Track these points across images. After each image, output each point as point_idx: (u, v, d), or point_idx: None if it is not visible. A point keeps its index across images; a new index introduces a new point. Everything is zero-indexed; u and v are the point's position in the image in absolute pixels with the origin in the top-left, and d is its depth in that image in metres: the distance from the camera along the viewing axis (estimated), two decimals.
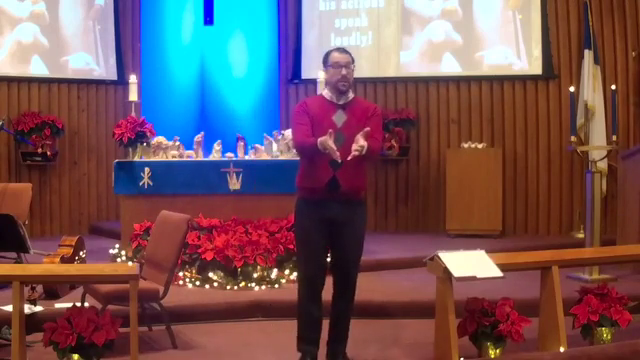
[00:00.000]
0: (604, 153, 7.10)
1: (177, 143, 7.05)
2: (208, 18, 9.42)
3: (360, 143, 4.02)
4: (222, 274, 6.12)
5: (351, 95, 4.36)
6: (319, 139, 4.05)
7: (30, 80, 8.68)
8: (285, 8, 9.47)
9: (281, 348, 4.77)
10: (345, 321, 4.39)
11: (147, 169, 6.75)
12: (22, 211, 6.57)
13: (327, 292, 4.36)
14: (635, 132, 8.36)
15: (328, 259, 4.44)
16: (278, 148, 7.22)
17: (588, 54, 8.29)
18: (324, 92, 4.40)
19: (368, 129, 4.08)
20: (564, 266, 4.66)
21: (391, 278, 6.55)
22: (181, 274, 6.16)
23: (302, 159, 4.36)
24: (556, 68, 8.66)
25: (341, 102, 4.31)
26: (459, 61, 8.93)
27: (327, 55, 4.36)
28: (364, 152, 4.02)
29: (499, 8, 8.80)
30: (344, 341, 4.39)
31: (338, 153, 4.02)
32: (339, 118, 4.28)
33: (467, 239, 8.01)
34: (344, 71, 4.26)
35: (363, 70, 9.18)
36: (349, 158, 4.03)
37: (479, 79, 8.89)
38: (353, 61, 4.34)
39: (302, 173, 4.35)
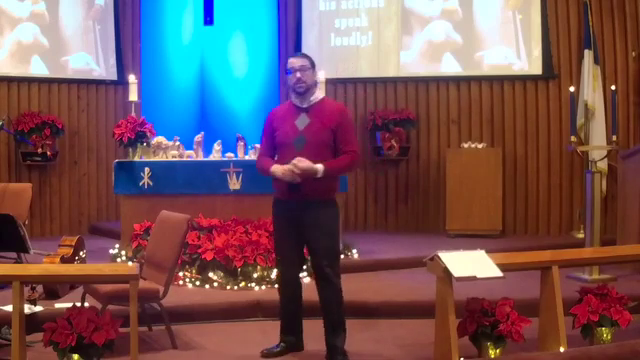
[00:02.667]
0: (604, 153, 7.11)
1: (177, 143, 7.05)
2: (208, 18, 9.43)
3: (300, 166, 4.23)
4: (222, 274, 6.13)
5: (317, 97, 4.48)
6: (272, 169, 4.36)
7: (30, 80, 8.68)
8: (285, 8, 9.47)
9: None
10: (332, 316, 4.46)
11: (147, 169, 6.75)
12: (22, 211, 6.57)
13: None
14: (635, 132, 8.36)
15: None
16: None
17: (588, 54, 8.29)
18: (292, 98, 4.53)
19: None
20: (564, 266, 4.66)
21: (391, 278, 6.55)
22: (181, 274, 6.16)
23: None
24: (556, 68, 8.66)
25: (305, 105, 4.43)
26: (459, 61, 8.93)
27: (287, 62, 4.52)
28: (301, 172, 4.24)
29: (499, 8, 8.80)
30: (339, 336, 4.46)
31: (297, 178, 4.25)
32: (302, 122, 4.39)
33: (467, 239, 8.01)
34: (298, 74, 4.39)
35: (363, 70, 9.21)
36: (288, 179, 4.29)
37: (479, 79, 8.89)
38: (313, 65, 4.46)
39: (273, 179, 4.50)
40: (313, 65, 4.46)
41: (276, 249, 4.69)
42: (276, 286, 5.96)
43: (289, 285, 4.60)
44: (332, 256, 4.48)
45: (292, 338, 4.60)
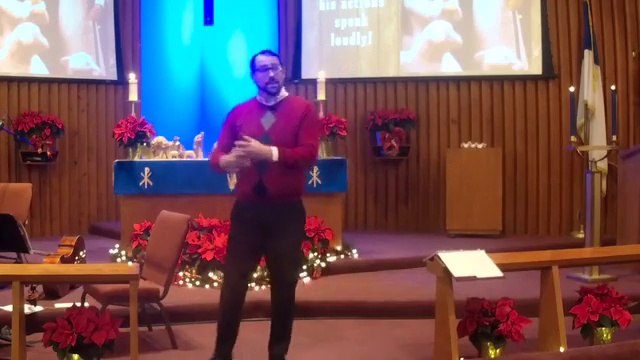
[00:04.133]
0: (604, 153, 7.11)
1: (177, 143, 7.05)
2: (208, 18, 9.43)
3: (250, 146, 4.03)
4: (222, 274, 6.12)
5: (284, 95, 4.32)
6: (221, 159, 4.18)
7: (30, 80, 8.68)
8: (285, 8, 9.47)
9: None
10: (282, 324, 4.33)
11: (147, 169, 6.75)
12: (22, 211, 6.57)
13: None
14: (635, 132, 8.36)
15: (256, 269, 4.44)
16: None
17: (588, 54, 8.29)
18: (257, 96, 4.34)
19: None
20: (564, 266, 4.66)
21: (391, 278, 6.55)
22: (181, 274, 6.16)
23: None
24: (556, 68, 8.66)
25: (271, 103, 4.27)
26: (459, 61, 8.93)
27: (253, 60, 4.32)
28: (250, 154, 4.05)
29: (499, 8, 8.80)
30: (284, 344, 4.34)
31: (244, 162, 4.08)
32: (267, 120, 4.23)
33: (467, 239, 8.01)
34: (271, 73, 4.21)
35: (363, 70, 9.21)
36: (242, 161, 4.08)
37: (479, 79, 8.89)
38: (281, 63, 4.31)
39: (238, 177, 4.37)
40: (282, 63, 4.32)
41: (228, 253, 4.40)
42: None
43: (234, 293, 4.29)
44: (296, 263, 4.36)
45: (227, 350, 4.33)
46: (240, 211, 4.31)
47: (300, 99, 4.52)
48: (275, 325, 4.35)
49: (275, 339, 4.35)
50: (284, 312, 4.33)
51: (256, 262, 4.47)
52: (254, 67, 4.29)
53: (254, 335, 5.06)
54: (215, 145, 4.37)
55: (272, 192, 4.17)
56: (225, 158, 4.18)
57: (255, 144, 4.05)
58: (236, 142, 4.09)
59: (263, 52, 4.34)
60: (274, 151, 4.08)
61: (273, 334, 4.36)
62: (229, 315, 4.31)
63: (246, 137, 4.07)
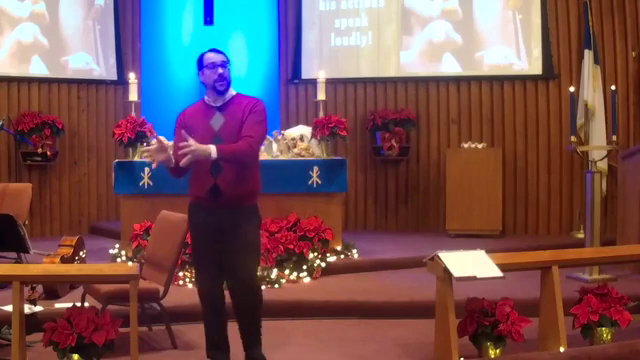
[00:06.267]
0: (604, 153, 7.11)
1: None
2: (208, 18, 9.42)
3: (190, 146, 3.91)
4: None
5: (231, 94, 4.22)
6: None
7: (30, 80, 8.68)
8: (285, 8, 9.47)
9: (281, 347, 4.77)
10: (249, 327, 4.28)
11: (147, 169, 6.75)
12: (22, 211, 6.57)
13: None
14: (635, 132, 8.36)
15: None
16: (278, 148, 7.23)
17: (588, 54, 8.28)
18: (205, 98, 4.27)
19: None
20: (564, 266, 4.66)
21: (391, 278, 6.55)
22: (181, 274, 6.16)
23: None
24: (556, 68, 8.66)
25: (219, 104, 4.18)
26: (459, 61, 8.93)
27: (201, 58, 4.25)
28: (191, 152, 3.92)
29: (499, 8, 8.80)
30: (256, 344, 4.30)
31: (162, 158, 4.09)
32: (216, 121, 4.15)
33: (467, 239, 8.01)
34: (220, 70, 4.13)
35: (363, 70, 9.21)
36: (183, 162, 3.95)
37: (479, 79, 8.89)
38: (229, 61, 4.23)
39: (190, 180, 4.26)
40: (230, 61, 4.25)
41: (196, 261, 4.38)
42: (276, 286, 6.01)
43: (210, 299, 4.28)
44: (253, 264, 4.24)
45: (221, 354, 4.32)
46: (196, 214, 4.26)
47: (248, 97, 4.34)
48: (247, 326, 4.28)
49: (251, 339, 4.29)
50: (249, 317, 4.26)
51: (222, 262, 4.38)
52: (201, 64, 4.21)
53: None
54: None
55: (228, 195, 4.10)
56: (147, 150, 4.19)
57: (194, 144, 3.92)
58: (179, 144, 3.99)
59: (212, 50, 4.28)
60: (212, 148, 3.96)
61: (247, 335, 4.29)
62: (216, 319, 4.31)
63: (185, 136, 3.95)
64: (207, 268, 4.28)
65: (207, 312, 4.34)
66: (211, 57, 4.21)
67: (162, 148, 4.16)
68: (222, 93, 4.18)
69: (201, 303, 4.36)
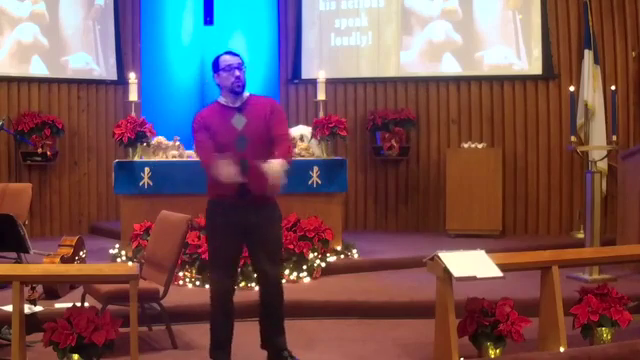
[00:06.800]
0: (604, 153, 7.11)
1: (177, 143, 7.05)
2: (208, 18, 9.42)
3: (274, 169, 3.97)
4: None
5: (246, 94, 4.32)
6: (220, 169, 3.97)
7: (30, 80, 8.68)
8: (285, 8, 9.47)
9: None
10: (278, 318, 4.39)
11: (147, 169, 6.75)
12: (22, 211, 6.57)
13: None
14: (635, 132, 8.36)
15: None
16: None
17: (588, 54, 8.28)
18: (220, 99, 4.33)
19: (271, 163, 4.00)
20: (564, 266, 4.66)
21: (391, 278, 6.55)
22: (181, 274, 6.16)
23: None
24: (556, 68, 8.65)
25: (237, 105, 4.26)
26: (459, 61, 8.93)
27: (217, 60, 4.30)
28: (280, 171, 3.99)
29: (499, 8, 8.80)
30: (283, 335, 4.40)
31: (240, 179, 4.01)
32: (239, 121, 4.22)
33: (467, 239, 8.01)
34: (237, 72, 4.22)
35: (363, 70, 9.21)
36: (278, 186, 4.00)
37: (479, 79, 8.89)
38: (244, 63, 4.30)
39: (212, 180, 4.20)
40: (245, 63, 4.33)
41: (213, 259, 4.37)
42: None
43: (224, 299, 4.33)
44: (279, 260, 4.42)
45: (223, 355, 4.37)
46: (217, 213, 4.27)
47: (262, 97, 4.49)
48: (273, 320, 4.38)
49: (278, 332, 4.38)
50: (280, 306, 4.38)
51: (238, 265, 4.54)
52: (218, 67, 4.27)
53: (254, 335, 5.07)
54: (199, 147, 4.26)
55: (255, 193, 4.17)
56: (224, 172, 3.98)
57: (268, 167, 3.99)
58: (269, 172, 3.98)
59: (227, 53, 4.34)
60: (281, 162, 4.03)
61: (273, 329, 4.38)
62: (227, 321, 4.34)
63: (270, 164, 3.99)
64: (226, 267, 4.31)
65: (218, 312, 4.36)
66: (227, 60, 4.28)
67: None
68: (239, 94, 4.26)
69: (212, 303, 4.37)
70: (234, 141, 4.15)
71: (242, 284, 6.01)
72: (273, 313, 4.39)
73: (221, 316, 4.36)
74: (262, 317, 4.44)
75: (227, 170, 3.97)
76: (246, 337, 4.66)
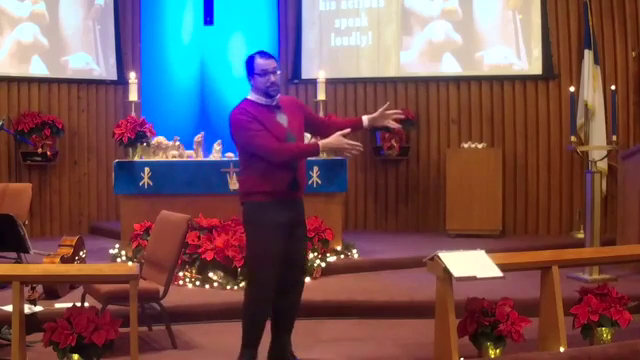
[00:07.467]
0: (604, 153, 7.11)
1: (177, 143, 7.05)
2: (208, 18, 9.42)
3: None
4: (222, 274, 6.12)
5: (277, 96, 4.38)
6: (329, 141, 4.24)
7: (30, 80, 8.68)
8: (285, 8, 9.47)
9: None
10: (294, 314, 4.43)
11: (147, 169, 6.75)
12: (22, 211, 6.57)
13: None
14: (635, 132, 8.36)
15: None
16: None
17: (588, 54, 8.28)
18: (252, 97, 4.28)
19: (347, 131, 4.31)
20: (564, 266, 4.66)
21: (391, 278, 6.55)
22: (181, 274, 6.16)
23: (255, 164, 4.19)
24: (556, 68, 8.66)
25: (275, 103, 4.30)
26: (459, 61, 8.93)
27: (251, 62, 4.26)
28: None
29: (499, 8, 8.80)
30: (291, 331, 4.43)
31: (358, 143, 4.24)
32: (282, 119, 4.27)
33: (467, 239, 8.01)
34: (273, 77, 4.21)
35: (363, 70, 9.21)
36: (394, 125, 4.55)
37: (479, 79, 8.89)
38: (278, 65, 4.32)
39: (258, 177, 4.18)
40: (279, 64, 4.45)
41: (262, 260, 4.21)
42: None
43: (270, 299, 4.26)
44: (307, 255, 4.52)
45: (256, 352, 4.34)
46: (268, 211, 4.19)
47: (286, 97, 4.64)
48: (290, 324, 4.40)
49: (287, 328, 4.40)
50: (297, 309, 4.43)
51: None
52: (253, 70, 4.25)
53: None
54: (261, 135, 4.15)
55: (301, 186, 4.31)
56: (338, 142, 4.24)
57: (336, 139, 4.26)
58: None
59: (262, 55, 4.28)
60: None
61: (287, 332, 4.40)
62: (262, 325, 4.31)
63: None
64: (275, 268, 4.21)
65: (259, 313, 4.27)
66: (262, 64, 4.24)
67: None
68: (274, 97, 4.29)
69: (255, 304, 4.27)
70: (284, 137, 4.19)
71: (242, 284, 6.01)
72: (293, 317, 4.41)
73: (263, 318, 4.30)
74: (278, 311, 4.35)
75: (342, 140, 4.22)
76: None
